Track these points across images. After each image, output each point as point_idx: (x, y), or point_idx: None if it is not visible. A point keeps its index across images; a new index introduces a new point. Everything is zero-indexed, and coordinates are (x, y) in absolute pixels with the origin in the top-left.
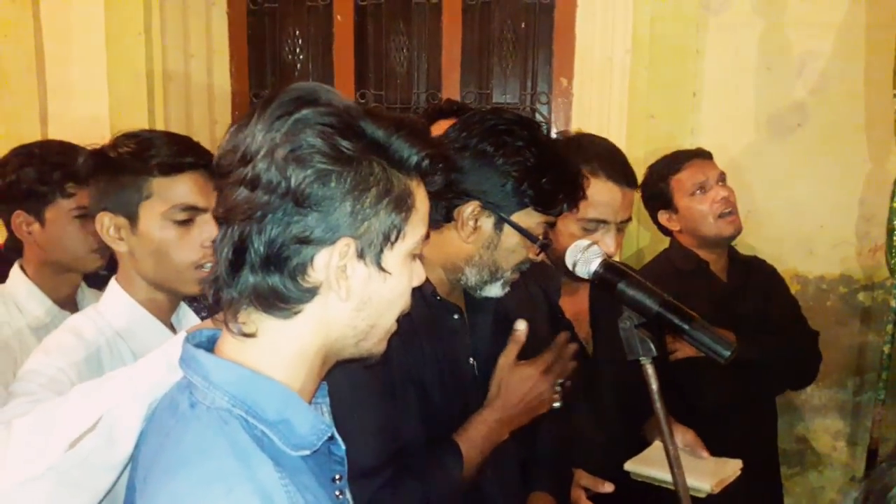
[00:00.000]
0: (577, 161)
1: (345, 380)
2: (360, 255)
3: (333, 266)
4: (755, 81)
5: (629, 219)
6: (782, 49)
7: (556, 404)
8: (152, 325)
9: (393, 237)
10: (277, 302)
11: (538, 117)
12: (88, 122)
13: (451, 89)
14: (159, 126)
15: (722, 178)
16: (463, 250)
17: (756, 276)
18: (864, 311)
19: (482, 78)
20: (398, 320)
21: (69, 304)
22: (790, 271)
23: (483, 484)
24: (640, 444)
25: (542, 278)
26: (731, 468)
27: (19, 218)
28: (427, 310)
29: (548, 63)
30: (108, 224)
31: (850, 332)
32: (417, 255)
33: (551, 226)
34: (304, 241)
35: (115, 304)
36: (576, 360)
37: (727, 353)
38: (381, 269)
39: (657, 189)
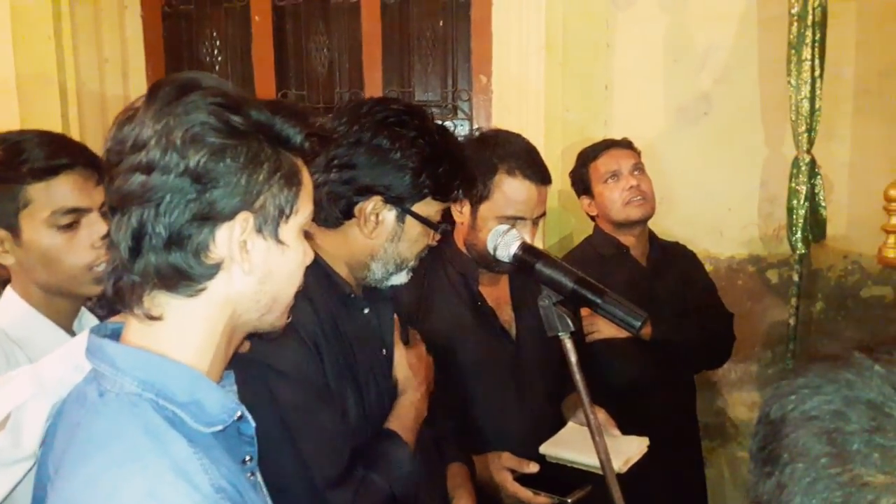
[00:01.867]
0: (493, 159)
1: (289, 388)
2: (259, 229)
3: (235, 240)
4: (663, 73)
5: (543, 213)
6: (687, 42)
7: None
8: (52, 332)
9: (287, 211)
10: (182, 281)
11: (460, 114)
12: None
13: (374, 88)
14: (74, 133)
15: (637, 167)
16: (367, 246)
17: (675, 260)
18: (772, 287)
19: (404, 76)
20: (322, 323)
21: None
22: (703, 252)
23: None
24: (563, 423)
25: (461, 267)
26: (638, 447)
27: None
28: (346, 309)
29: (467, 61)
30: None
31: (760, 309)
32: (306, 233)
33: (447, 210)
34: (205, 217)
35: (11, 312)
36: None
37: (638, 324)
38: (279, 241)
39: (578, 175)
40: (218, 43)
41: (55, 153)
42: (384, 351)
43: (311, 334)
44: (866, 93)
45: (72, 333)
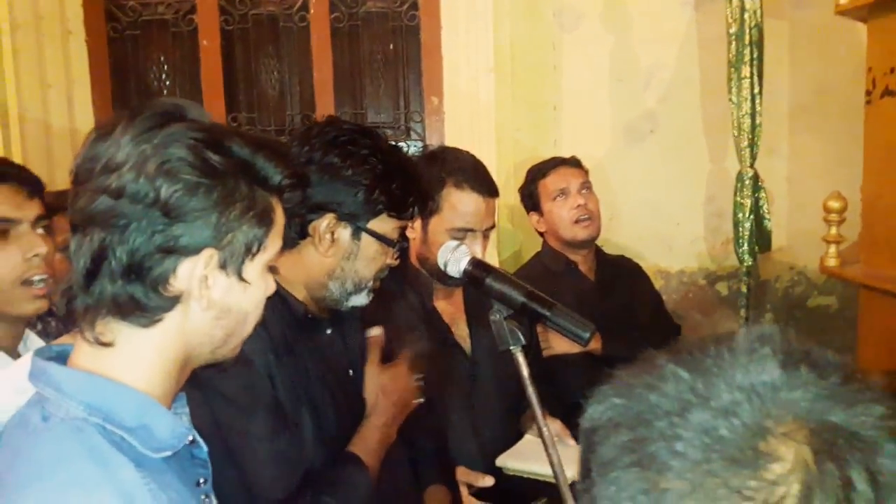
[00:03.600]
0: (441, 174)
1: (235, 413)
2: (223, 265)
3: (196, 276)
4: (609, 93)
5: (493, 225)
6: (631, 62)
7: (420, 399)
8: None
9: (255, 249)
10: (137, 311)
11: (413, 135)
12: None
13: (326, 110)
14: (16, 160)
15: (585, 185)
16: (323, 265)
17: (622, 274)
18: (722, 299)
19: (356, 98)
20: (275, 346)
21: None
22: (653, 267)
23: (380, 488)
24: (519, 437)
25: (416, 285)
26: None
27: None
28: (301, 330)
29: (418, 82)
30: None
31: (712, 320)
32: (271, 268)
33: (404, 230)
34: (169, 250)
35: None
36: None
37: (586, 335)
38: (242, 279)
39: (527, 192)
40: (166, 67)
41: None
42: (351, 371)
43: (262, 358)
44: (802, 109)
45: (17, 356)
